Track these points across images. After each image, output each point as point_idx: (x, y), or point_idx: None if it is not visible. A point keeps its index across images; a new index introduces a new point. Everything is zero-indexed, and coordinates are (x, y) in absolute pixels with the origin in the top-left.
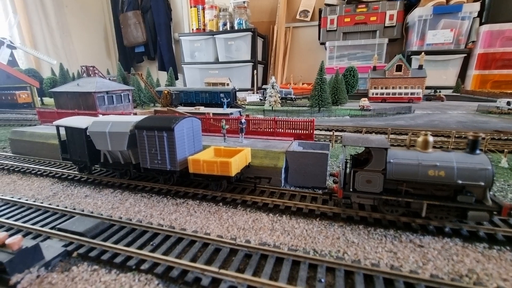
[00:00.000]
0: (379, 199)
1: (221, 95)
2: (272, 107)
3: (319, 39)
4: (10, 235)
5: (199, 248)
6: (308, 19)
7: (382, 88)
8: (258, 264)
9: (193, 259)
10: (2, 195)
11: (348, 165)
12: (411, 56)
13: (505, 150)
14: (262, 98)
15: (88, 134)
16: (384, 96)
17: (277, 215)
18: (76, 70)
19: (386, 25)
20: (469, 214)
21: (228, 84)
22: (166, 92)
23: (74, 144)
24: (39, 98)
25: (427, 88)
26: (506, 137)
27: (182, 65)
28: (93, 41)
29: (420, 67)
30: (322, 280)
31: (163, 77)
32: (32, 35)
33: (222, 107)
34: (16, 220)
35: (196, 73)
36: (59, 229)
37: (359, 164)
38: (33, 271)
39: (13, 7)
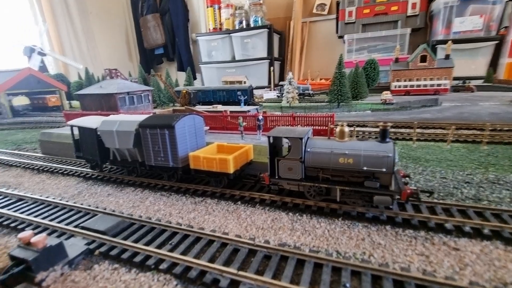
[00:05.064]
0: (302, 185)
1: (238, 93)
2: (290, 104)
3: (337, 32)
4: (37, 233)
5: (217, 248)
6: (325, 12)
7: (405, 81)
8: (278, 266)
9: (212, 260)
10: (32, 194)
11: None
12: (436, 46)
13: None
14: (279, 94)
15: (98, 133)
16: (408, 88)
17: (297, 214)
18: (101, 74)
19: (408, 14)
20: (375, 199)
21: (245, 82)
22: (184, 91)
23: (86, 143)
24: (67, 101)
25: (454, 79)
26: None
27: (200, 65)
28: (116, 44)
29: (447, 56)
30: (347, 285)
31: (182, 77)
32: (60, 42)
33: (239, 105)
34: (43, 218)
35: (214, 72)
36: (82, 227)
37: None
38: (57, 269)
39: (42, 16)
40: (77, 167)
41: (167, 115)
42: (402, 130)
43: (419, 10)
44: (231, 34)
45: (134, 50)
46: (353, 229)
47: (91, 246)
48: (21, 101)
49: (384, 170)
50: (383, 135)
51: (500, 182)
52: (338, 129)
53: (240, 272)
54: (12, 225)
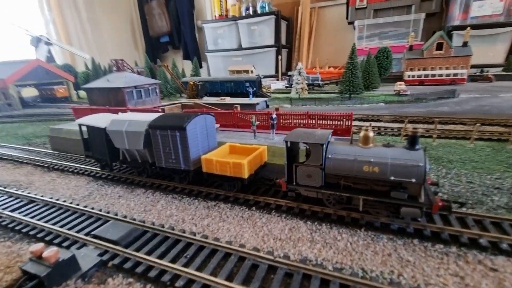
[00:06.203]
0: (322, 193)
1: (246, 84)
2: (299, 95)
3: (347, 18)
4: (48, 241)
5: (235, 263)
6: None
7: (419, 70)
8: (300, 286)
9: (230, 276)
10: (42, 196)
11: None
12: (452, 32)
13: None
14: (288, 85)
15: (107, 132)
16: (422, 78)
17: (315, 223)
18: (107, 63)
19: None
20: (402, 210)
21: (252, 72)
22: (192, 83)
23: (95, 142)
24: (75, 92)
25: (471, 67)
26: None
27: (206, 53)
28: (121, 33)
29: (465, 44)
30: None
31: (187, 66)
32: (67, 31)
33: (248, 96)
34: (54, 224)
35: (220, 61)
36: (94, 236)
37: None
38: (70, 284)
39: (48, 5)
40: (87, 165)
41: (177, 115)
42: (420, 126)
43: None
44: (237, 21)
45: (139, 38)
46: (377, 243)
47: (104, 257)
48: (30, 92)
49: (413, 180)
50: (412, 142)
51: None
52: (362, 133)
53: None
54: (24, 230)
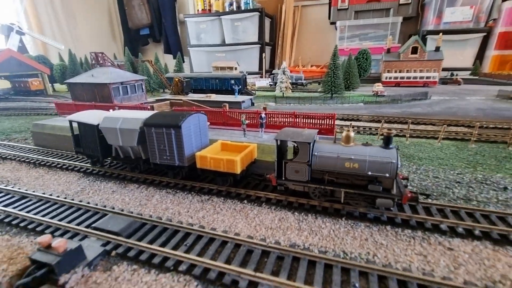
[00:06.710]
0: (308, 186)
1: (231, 81)
2: (283, 94)
3: (329, 18)
4: (50, 234)
5: (231, 249)
6: None
7: (396, 72)
8: (291, 266)
9: (228, 261)
10: (34, 191)
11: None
12: (427, 36)
13: None
14: (272, 83)
15: (99, 129)
16: (398, 80)
17: (302, 214)
18: (84, 55)
19: (401, 2)
20: (377, 201)
21: (236, 68)
22: (177, 79)
23: (86, 139)
24: (50, 85)
25: (442, 70)
26: None
27: (188, 48)
28: (98, 24)
29: (437, 49)
30: (357, 285)
31: (169, 60)
32: (39, 21)
33: (233, 93)
34: (52, 218)
35: (203, 56)
36: (95, 228)
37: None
38: (78, 271)
39: None
40: (76, 161)
41: (172, 114)
42: (395, 126)
43: None
44: (221, 17)
45: (118, 30)
46: (356, 229)
47: (107, 247)
48: (1, 84)
49: (387, 175)
50: (387, 142)
51: (487, 182)
52: (344, 134)
53: (257, 274)
54: (22, 224)
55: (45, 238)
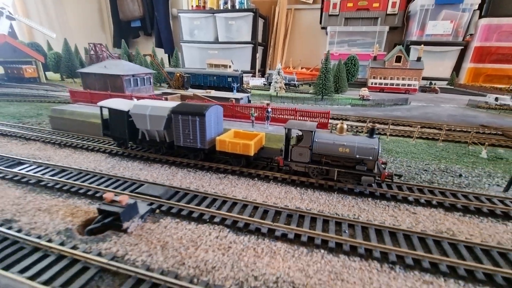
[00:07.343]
0: (308, 167)
1: (229, 79)
2: (277, 93)
3: (320, 23)
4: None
5: (251, 210)
6: (311, 1)
7: (381, 78)
8: (298, 220)
9: (251, 216)
10: (71, 166)
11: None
12: (410, 46)
13: (486, 143)
14: (266, 83)
15: (130, 115)
16: (383, 86)
17: (303, 188)
18: (74, 44)
19: (388, 12)
20: (362, 178)
21: (230, 67)
22: (178, 75)
23: (115, 123)
24: (43, 73)
25: (423, 79)
26: (489, 131)
27: (181, 43)
28: (87, 12)
29: (419, 59)
30: (346, 231)
31: (160, 54)
32: (25, 7)
33: (230, 90)
34: (99, 185)
35: (195, 52)
36: (138, 193)
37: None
38: (135, 221)
39: None
40: (100, 143)
41: (196, 105)
42: (378, 126)
43: (398, 9)
44: (215, 14)
45: (107, 20)
46: (345, 200)
47: (152, 206)
48: None
49: (370, 158)
50: (371, 132)
51: (447, 171)
52: (338, 125)
53: (274, 223)
54: (72, 190)
55: (109, 194)
